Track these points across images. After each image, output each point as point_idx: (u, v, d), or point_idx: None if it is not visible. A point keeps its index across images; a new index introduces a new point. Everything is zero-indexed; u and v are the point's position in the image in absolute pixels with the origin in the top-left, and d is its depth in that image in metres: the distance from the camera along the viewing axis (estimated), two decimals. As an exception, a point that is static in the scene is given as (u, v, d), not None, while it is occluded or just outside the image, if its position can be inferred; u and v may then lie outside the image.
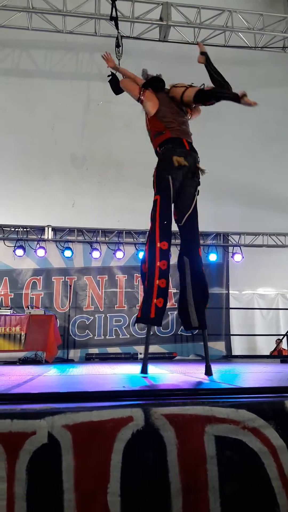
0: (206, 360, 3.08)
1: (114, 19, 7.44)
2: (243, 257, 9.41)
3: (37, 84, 9.14)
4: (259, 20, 8.56)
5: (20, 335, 6.68)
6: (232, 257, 9.50)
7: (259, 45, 8.81)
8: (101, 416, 1.41)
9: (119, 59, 6.90)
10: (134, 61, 6.46)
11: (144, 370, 3.06)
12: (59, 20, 8.03)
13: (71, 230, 9.09)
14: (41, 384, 2.52)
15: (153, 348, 8.78)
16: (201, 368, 3.82)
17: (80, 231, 9.13)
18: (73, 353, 8.58)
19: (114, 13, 7.48)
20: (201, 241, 9.47)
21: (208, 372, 2.99)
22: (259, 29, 8.58)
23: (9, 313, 7.10)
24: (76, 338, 8.73)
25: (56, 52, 9.24)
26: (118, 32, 7.51)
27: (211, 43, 8.56)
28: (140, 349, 8.65)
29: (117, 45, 6.99)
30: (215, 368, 4.12)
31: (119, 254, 8.95)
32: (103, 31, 8.13)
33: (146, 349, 3.22)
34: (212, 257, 9.38)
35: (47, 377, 3.21)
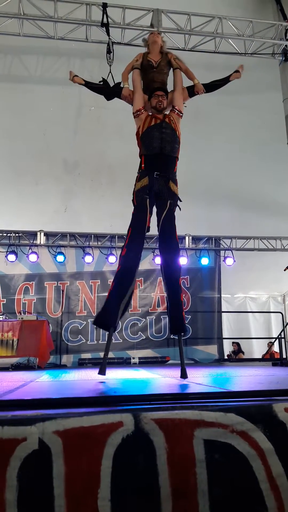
0: (182, 363, 3.16)
1: (105, 26, 7.51)
2: (234, 261, 9.47)
3: (28, 89, 9.15)
4: (249, 27, 8.66)
5: (13, 341, 6.66)
6: (224, 260, 9.56)
7: (249, 51, 8.90)
8: (91, 421, 1.42)
9: (110, 65, 6.96)
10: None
11: (102, 371, 3.11)
12: (50, 26, 8.06)
13: (63, 235, 9.09)
14: (33, 390, 2.52)
15: (146, 352, 8.80)
16: (193, 372, 3.86)
17: (73, 236, 9.13)
18: (66, 359, 8.56)
19: (105, 20, 7.55)
20: (193, 245, 9.53)
21: (184, 375, 3.08)
22: (249, 35, 8.67)
23: (1, 319, 7.07)
24: (68, 344, 8.71)
25: (48, 58, 9.26)
26: (109, 38, 7.58)
27: (201, 49, 8.67)
28: (133, 353, 8.66)
29: (108, 51, 7.05)
30: (206, 371, 4.15)
31: (112, 259, 8.96)
32: (94, 37, 8.17)
33: (106, 350, 3.30)
34: (204, 261, 9.43)
35: (39, 383, 3.21)
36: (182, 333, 3.36)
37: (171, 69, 4.05)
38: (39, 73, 9.32)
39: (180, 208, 3.60)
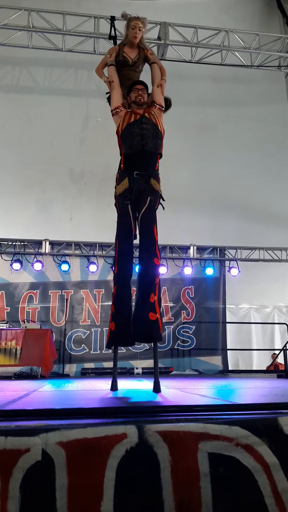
0: (155, 375, 2.93)
1: (113, 38, 7.58)
2: (239, 271, 9.45)
3: (36, 100, 9.28)
4: (255, 40, 8.74)
5: (16, 349, 6.65)
6: (228, 271, 9.54)
7: (255, 64, 8.97)
8: (95, 433, 1.41)
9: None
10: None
11: (114, 387, 3.03)
12: (59, 39, 8.18)
13: (68, 244, 9.12)
14: (36, 400, 2.51)
15: (149, 363, 8.72)
16: (197, 383, 3.82)
17: (78, 244, 9.16)
18: (69, 368, 8.53)
19: (112, 32, 7.63)
20: (198, 255, 9.53)
21: (156, 389, 2.87)
22: (255, 48, 8.75)
23: (5, 327, 7.07)
24: (72, 353, 8.68)
25: (56, 69, 9.40)
26: (117, 50, 7.63)
27: (208, 62, 8.75)
28: (136, 363, 8.61)
29: (116, 63, 7.10)
30: (211, 383, 4.11)
31: (116, 268, 8.96)
32: (101, 49, 8.27)
33: (115, 365, 3.19)
34: (209, 271, 9.42)
35: (42, 392, 3.20)
36: (151, 341, 3.08)
37: (145, 64, 3.90)
38: (47, 84, 9.45)
39: (163, 208, 3.43)
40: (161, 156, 3.49)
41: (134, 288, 3.20)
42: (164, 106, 3.65)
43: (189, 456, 1.46)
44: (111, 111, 3.65)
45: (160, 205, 3.42)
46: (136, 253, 3.24)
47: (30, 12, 7.84)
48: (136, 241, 3.34)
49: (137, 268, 3.23)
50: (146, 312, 2.95)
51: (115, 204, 3.41)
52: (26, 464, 1.33)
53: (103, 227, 9.12)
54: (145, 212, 3.27)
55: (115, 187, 3.42)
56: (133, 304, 3.15)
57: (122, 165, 3.44)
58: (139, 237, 3.30)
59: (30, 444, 1.35)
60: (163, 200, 3.45)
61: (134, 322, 3.02)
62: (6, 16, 7.82)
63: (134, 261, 3.30)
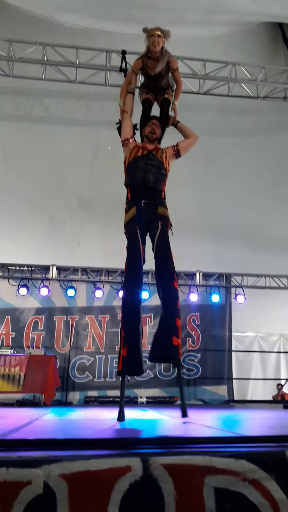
0: (182, 401, 3.01)
1: (124, 71, 7.80)
2: (245, 299, 9.37)
3: (48, 130, 9.53)
4: (262, 72, 8.98)
5: (19, 376, 6.58)
6: (234, 298, 9.47)
7: (262, 95, 9.18)
8: (99, 465, 1.38)
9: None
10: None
11: (121, 417, 2.95)
12: (71, 71, 8.47)
13: (75, 270, 9.15)
14: (38, 429, 2.47)
15: (153, 392, 8.59)
16: (203, 414, 3.75)
17: (84, 270, 9.19)
18: (72, 396, 8.40)
19: (123, 65, 7.89)
20: (204, 282, 9.49)
21: (184, 414, 2.93)
22: (261, 80, 8.97)
23: (9, 353, 7.02)
24: (75, 380, 8.57)
25: (68, 100, 9.68)
26: (127, 82, 7.88)
27: (215, 93, 8.97)
28: (140, 392, 8.46)
29: (126, 95, 7.31)
30: (216, 414, 4.03)
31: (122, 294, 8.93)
32: (112, 81, 8.54)
33: (122, 394, 3.14)
34: (215, 298, 9.36)
35: (44, 421, 3.14)
36: (175, 366, 3.10)
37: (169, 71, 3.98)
38: (59, 114, 9.72)
39: (172, 233, 3.48)
40: (164, 193, 3.57)
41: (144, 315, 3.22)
42: (181, 154, 3.74)
43: (194, 491, 1.41)
44: (122, 141, 3.75)
45: (170, 229, 3.48)
46: (145, 279, 3.29)
47: (45, 47, 8.15)
48: (147, 266, 3.34)
49: (158, 291, 3.26)
50: (170, 336, 2.97)
51: (125, 233, 3.47)
52: (27, 497, 1.29)
53: (110, 253, 9.17)
54: (160, 238, 3.36)
55: (124, 217, 3.50)
56: (142, 328, 3.16)
57: (129, 195, 3.52)
58: (157, 261, 3.34)
59: (32, 476, 1.31)
60: (171, 225, 3.50)
61: (156, 343, 3.02)
62: (22, 50, 8.14)
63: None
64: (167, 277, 3.24)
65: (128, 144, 3.66)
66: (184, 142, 3.78)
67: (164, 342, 2.97)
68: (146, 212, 3.40)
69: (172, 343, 2.94)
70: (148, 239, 3.48)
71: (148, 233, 3.46)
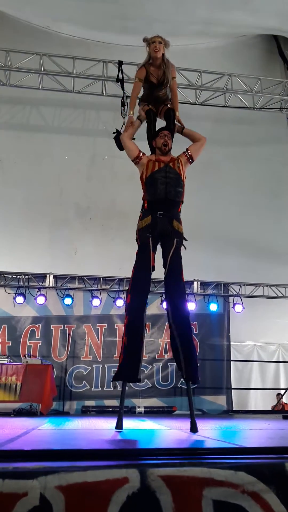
0: (192, 416, 3.03)
1: (120, 81, 7.91)
2: (243, 308, 9.36)
3: (45, 139, 9.58)
4: (257, 84, 9.07)
5: (16, 385, 6.52)
6: (233, 307, 9.45)
7: (258, 106, 9.27)
8: (95, 476, 1.35)
9: (124, 117, 7.28)
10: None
11: (119, 426, 2.99)
12: (68, 81, 8.54)
13: (72, 278, 9.13)
14: (35, 439, 2.44)
15: (152, 402, 8.52)
16: (201, 424, 3.72)
17: (81, 278, 9.16)
18: (69, 405, 8.32)
19: (120, 76, 7.97)
20: (202, 291, 9.48)
21: (194, 429, 2.93)
22: (257, 91, 9.07)
23: (5, 362, 6.97)
24: (72, 389, 8.49)
25: (65, 109, 9.75)
26: (124, 92, 7.96)
27: (211, 104, 9.06)
28: (138, 402, 8.40)
29: (122, 105, 7.36)
30: (215, 424, 4.00)
31: (119, 302, 8.91)
32: (109, 91, 8.61)
33: (121, 403, 3.17)
34: (213, 307, 9.33)
35: (41, 431, 3.11)
36: (192, 383, 3.19)
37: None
38: (56, 123, 9.77)
39: (185, 248, 3.52)
40: (182, 203, 3.58)
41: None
42: (194, 158, 3.74)
43: (193, 503, 1.39)
44: (132, 161, 3.72)
45: (183, 245, 3.51)
46: (153, 288, 3.35)
47: (42, 56, 8.23)
48: (156, 275, 3.41)
49: (168, 309, 3.40)
50: (195, 357, 3.21)
51: (136, 239, 3.49)
52: (23, 509, 1.27)
53: (107, 261, 9.17)
54: (173, 257, 3.39)
55: (138, 223, 3.51)
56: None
57: (146, 205, 3.53)
58: (170, 279, 3.39)
59: (28, 487, 1.29)
60: (185, 240, 3.53)
61: (189, 364, 3.14)
62: (19, 60, 8.21)
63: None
64: (179, 296, 3.34)
65: (141, 161, 3.63)
66: (194, 145, 3.76)
67: (193, 364, 3.17)
68: (161, 222, 3.42)
69: (196, 362, 3.19)
70: (159, 248, 3.52)
71: (160, 243, 3.48)
